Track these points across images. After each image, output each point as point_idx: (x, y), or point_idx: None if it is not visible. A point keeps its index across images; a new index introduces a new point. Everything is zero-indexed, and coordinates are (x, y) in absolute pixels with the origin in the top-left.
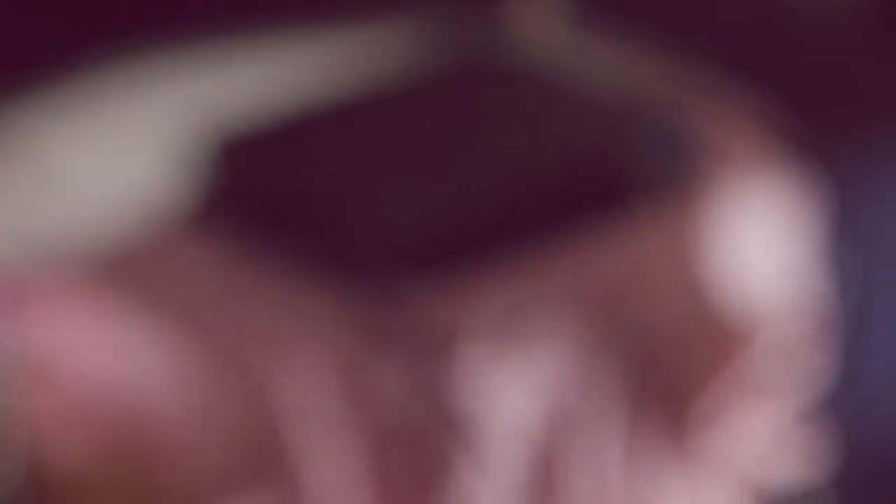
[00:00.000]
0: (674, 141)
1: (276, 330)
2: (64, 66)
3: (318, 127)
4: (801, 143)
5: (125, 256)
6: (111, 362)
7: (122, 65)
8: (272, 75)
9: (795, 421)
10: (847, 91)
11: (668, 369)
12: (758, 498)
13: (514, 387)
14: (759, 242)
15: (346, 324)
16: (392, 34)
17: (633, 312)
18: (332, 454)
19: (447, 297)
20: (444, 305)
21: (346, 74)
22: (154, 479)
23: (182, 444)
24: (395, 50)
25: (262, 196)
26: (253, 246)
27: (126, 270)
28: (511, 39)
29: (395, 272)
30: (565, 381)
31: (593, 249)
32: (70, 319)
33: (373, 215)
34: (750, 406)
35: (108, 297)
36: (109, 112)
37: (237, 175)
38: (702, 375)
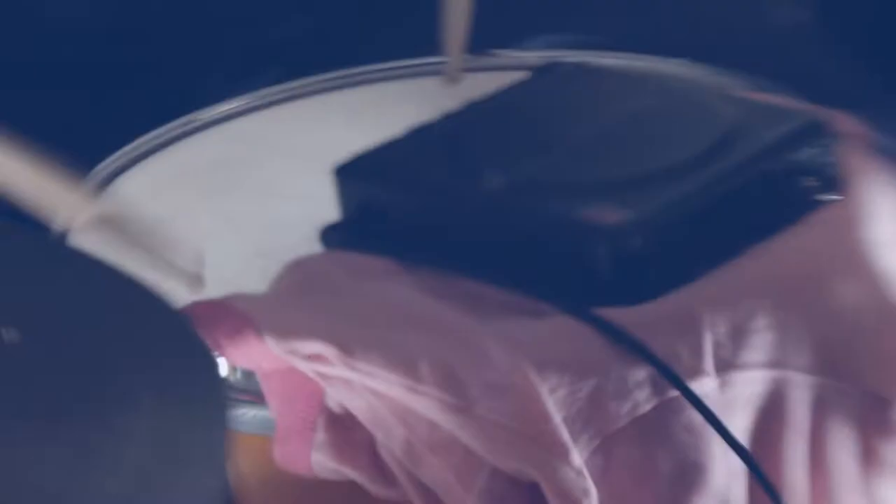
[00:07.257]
0: (831, 149)
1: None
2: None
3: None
4: None
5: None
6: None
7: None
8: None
9: None
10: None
11: (859, 358)
12: None
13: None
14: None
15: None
16: None
17: (824, 304)
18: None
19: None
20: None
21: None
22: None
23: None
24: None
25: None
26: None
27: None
28: None
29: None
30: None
31: (778, 249)
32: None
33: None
34: None
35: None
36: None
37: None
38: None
